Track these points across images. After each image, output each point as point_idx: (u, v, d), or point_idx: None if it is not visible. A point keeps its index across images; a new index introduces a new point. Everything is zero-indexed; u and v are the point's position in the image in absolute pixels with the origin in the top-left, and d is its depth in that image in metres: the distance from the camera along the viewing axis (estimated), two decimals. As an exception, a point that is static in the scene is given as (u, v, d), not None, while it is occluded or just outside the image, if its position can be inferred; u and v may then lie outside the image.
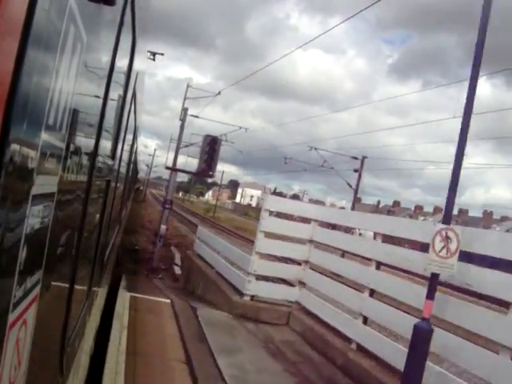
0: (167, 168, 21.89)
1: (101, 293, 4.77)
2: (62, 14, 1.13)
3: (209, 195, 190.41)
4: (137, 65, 4.17)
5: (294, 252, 9.17)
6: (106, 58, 2.15)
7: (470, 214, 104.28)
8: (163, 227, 18.80)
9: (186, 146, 26.96)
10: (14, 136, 0.90)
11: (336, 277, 9.53)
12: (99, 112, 2.17)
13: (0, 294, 1.00)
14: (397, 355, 6.05)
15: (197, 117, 29.27)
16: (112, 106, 2.76)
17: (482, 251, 5.35)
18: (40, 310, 1.34)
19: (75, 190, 1.81)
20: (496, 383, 4.74)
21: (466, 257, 5.34)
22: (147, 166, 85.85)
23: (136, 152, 17.77)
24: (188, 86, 30.25)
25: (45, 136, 1.12)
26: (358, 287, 7.77)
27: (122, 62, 2.85)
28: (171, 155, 27.49)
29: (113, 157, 3.47)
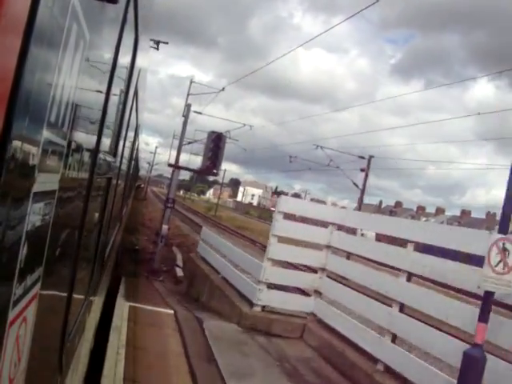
0: (170, 165, 21.07)
1: (100, 291, 4.68)
2: (64, 12, 1.15)
3: (210, 194, 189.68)
4: (139, 62, 4.16)
5: (310, 258, 8.35)
6: (108, 56, 2.15)
7: (472, 215, 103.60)
8: (165, 227, 17.98)
9: (190, 143, 26.15)
10: (15, 133, 0.90)
11: (354, 285, 8.74)
12: (101, 109, 2.16)
13: (0, 291, 1.00)
14: (435, 381, 5.26)
15: (200, 113, 28.48)
16: (114, 104, 2.77)
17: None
18: (40, 307, 1.34)
19: (76, 187, 1.81)
20: None
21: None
22: (148, 163, 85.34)
23: (137, 149, 18.15)
24: (191, 81, 29.50)
25: (46, 133, 1.13)
26: (383, 299, 6.97)
27: (124, 60, 2.86)
28: (174, 153, 26.67)
29: (114, 154, 3.48)
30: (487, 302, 4.50)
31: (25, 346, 1.25)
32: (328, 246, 8.21)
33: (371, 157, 30.93)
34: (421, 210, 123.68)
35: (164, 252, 20.46)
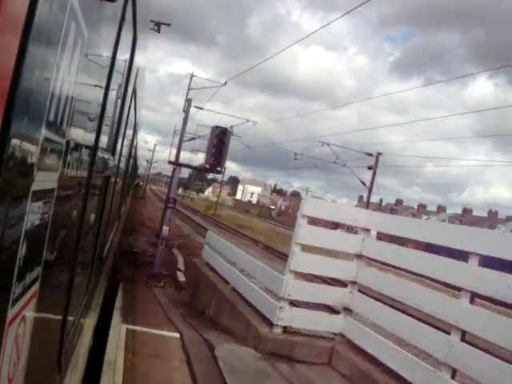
0: (170, 163, 19.83)
1: (99, 290, 4.61)
2: (63, 10, 1.15)
3: (209, 192, 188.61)
4: (137, 61, 4.13)
5: (338, 270, 7.13)
6: (106, 54, 2.15)
7: (473, 213, 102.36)
8: (165, 228, 16.74)
9: (191, 140, 24.93)
10: (14, 131, 0.90)
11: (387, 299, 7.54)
12: (99, 108, 2.17)
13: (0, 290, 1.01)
14: None
15: (201, 108, 27.27)
16: (112, 102, 2.78)
17: None
18: (39, 306, 1.36)
19: (75, 186, 1.81)
20: None
21: None
22: (147, 161, 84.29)
23: (136, 147, 17.90)
24: (192, 75, 28.33)
25: (45, 131, 1.13)
26: (434, 321, 5.78)
27: (122, 58, 2.85)
28: (174, 151, 25.44)
29: (113, 152, 3.49)
30: None
31: (24, 345, 1.25)
32: (359, 256, 7.01)
33: (379, 154, 29.75)
34: (421, 207, 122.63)
35: (164, 254, 19.21)
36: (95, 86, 1.96)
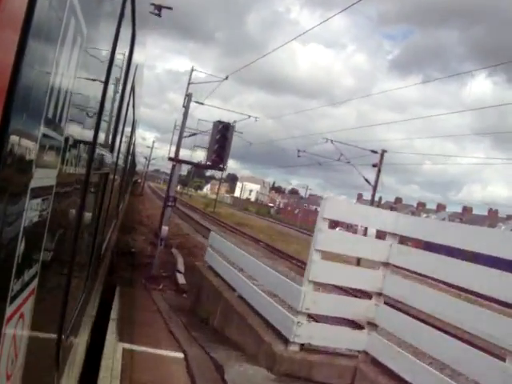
0: (170, 159, 19.00)
1: (95, 293, 4.50)
2: (62, 6, 1.14)
3: (207, 189, 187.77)
4: (136, 58, 4.10)
5: (362, 280, 6.32)
6: (105, 51, 2.15)
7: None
8: (165, 228, 15.90)
9: (191, 136, 24.12)
10: (13, 128, 0.90)
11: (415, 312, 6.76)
12: (98, 105, 2.15)
13: None
14: None
15: (202, 103, 26.46)
16: (111, 99, 2.78)
17: None
18: (37, 303, 1.35)
19: (74, 182, 1.81)
20: None
21: None
22: (145, 158, 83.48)
23: (134, 144, 18.10)
24: (192, 69, 27.53)
25: (44, 128, 1.12)
26: (483, 344, 5.00)
27: (121, 55, 2.82)
28: (174, 148, 24.60)
29: (111, 149, 3.49)
30: None
31: (22, 342, 1.25)
32: (386, 264, 6.22)
33: (384, 151, 28.97)
34: (421, 206, 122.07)
35: (162, 254, 18.41)
36: (94, 82, 1.95)
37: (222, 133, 16.04)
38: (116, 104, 3.26)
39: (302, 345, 6.04)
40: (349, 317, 6.79)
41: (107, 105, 2.44)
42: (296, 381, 5.78)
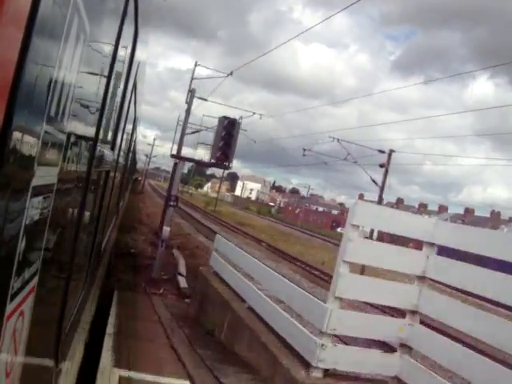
0: (173, 156, 18.20)
1: (94, 292, 4.40)
2: (66, 4, 1.14)
3: (208, 187, 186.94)
4: (138, 55, 4.09)
5: (394, 296, 5.52)
6: (108, 49, 2.14)
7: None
8: (166, 229, 15.08)
9: (194, 132, 23.32)
10: (16, 125, 0.90)
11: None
12: (100, 102, 2.15)
13: None
14: None
15: (205, 99, 25.66)
16: (113, 97, 2.75)
17: None
18: (37, 300, 1.35)
19: (75, 180, 1.82)
20: None
21: None
22: (146, 155, 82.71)
23: (135, 142, 17.85)
24: (196, 64, 26.74)
25: (46, 126, 1.12)
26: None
27: (123, 53, 2.83)
28: (175, 146, 23.79)
29: (112, 147, 3.50)
30: None
31: (22, 339, 1.25)
32: (422, 278, 5.43)
33: (392, 151, 28.18)
34: (422, 207, 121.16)
35: (163, 255, 17.62)
36: (96, 79, 1.94)
37: (228, 129, 15.23)
38: (118, 101, 3.22)
39: (327, 370, 5.25)
40: (379, 338, 5.99)
41: (109, 102, 2.40)
42: (319, 412, 5.00)
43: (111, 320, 7.80)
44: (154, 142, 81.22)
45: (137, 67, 4.46)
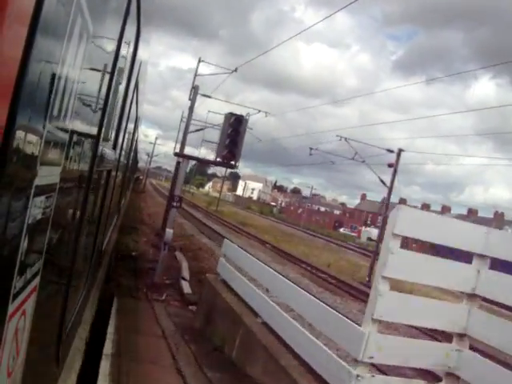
0: (176, 155, 17.43)
1: (95, 289, 4.40)
2: (69, 4, 1.14)
3: (209, 187, 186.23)
4: (140, 55, 4.06)
5: (439, 317, 4.71)
6: (110, 48, 2.12)
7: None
8: (169, 231, 14.29)
9: (198, 130, 22.58)
10: (19, 125, 0.89)
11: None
12: (102, 101, 2.14)
13: (1, 284, 1.00)
14: None
15: (209, 97, 24.91)
16: (115, 96, 2.76)
17: None
18: (39, 300, 1.35)
19: (77, 180, 1.81)
20: None
21: None
22: (147, 154, 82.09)
23: (137, 141, 17.70)
24: (200, 60, 26.03)
25: (49, 125, 1.12)
26: None
27: (125, 52, 2.79)
28: (178, 145, 22.97)
29: (114, 146, 3.55)
30: None
31: (23, 338, 1.24)
32: (472, 296, 4.64)
33: (401, 150, 27.37)
34: (425, 207, 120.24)
35: (165, 258, 16.84)
36: (98, 79, 1.93)
37: (235, 126, 14.45)
38: (119, 101, 3.20)
39: (362, 405, 4.45)
40: (423, 366, 5.18)
41: (111, 101, 2.37)
42: None
43: (110, 335, 7.04)
44: (155, 142, 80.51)
45: (139, 66, 4.42)
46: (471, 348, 4.75)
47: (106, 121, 2.27)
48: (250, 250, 20.13)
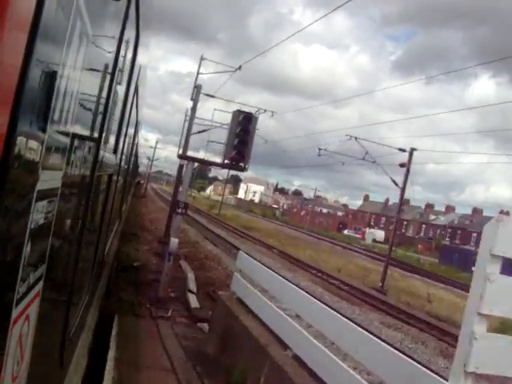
0: (180, 157, 16.26)
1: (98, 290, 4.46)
2: (69, 8, 1.14)
3: (210, 190, 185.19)
4: (140, 59, 4.08)
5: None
6: (110, 53, 2.13)
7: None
8: (174, 241, 13.07)
9: (201, 132, 21.46)
10: (20, 130, 0.89)
11: None
12: (103, 106, 2.14)
13: (4, 289, 0.99)
14: None
15: (213, 96, 23.82)
16: (115, 101, 2.75)
17: None
18: (42, 305, 1.34)
19: (79, 184, 1.81)
20: None
21: None
22: (148, 158, 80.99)
23: (137, 145, 17.42)
24: (202, 58, 24.94)
25: (50, 130, 1.12)
26: None
27: (125, 57, 2.82)
28: (181, 149, 21.82)
29: (115, 151, 3.52)
30: None
31: (27, 343, 1.23)
32: None
33: (413, 150, 26.23)
34: (429, 207, 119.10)
35: (170, 268, 15.59)
36: (98, 84, 1.94)
37: (243, 125, 13.29)
38: (120, 105, 3.20)
39: None
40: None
41: (111, 106, 2.37)
42: None
43: (109, 368, 5.87)
44: (155, 146, 79.29)
45: (138, 70, 4.45)
46: None
47: (106, 125, 2.28)
48: (258, 257, 18.88)
